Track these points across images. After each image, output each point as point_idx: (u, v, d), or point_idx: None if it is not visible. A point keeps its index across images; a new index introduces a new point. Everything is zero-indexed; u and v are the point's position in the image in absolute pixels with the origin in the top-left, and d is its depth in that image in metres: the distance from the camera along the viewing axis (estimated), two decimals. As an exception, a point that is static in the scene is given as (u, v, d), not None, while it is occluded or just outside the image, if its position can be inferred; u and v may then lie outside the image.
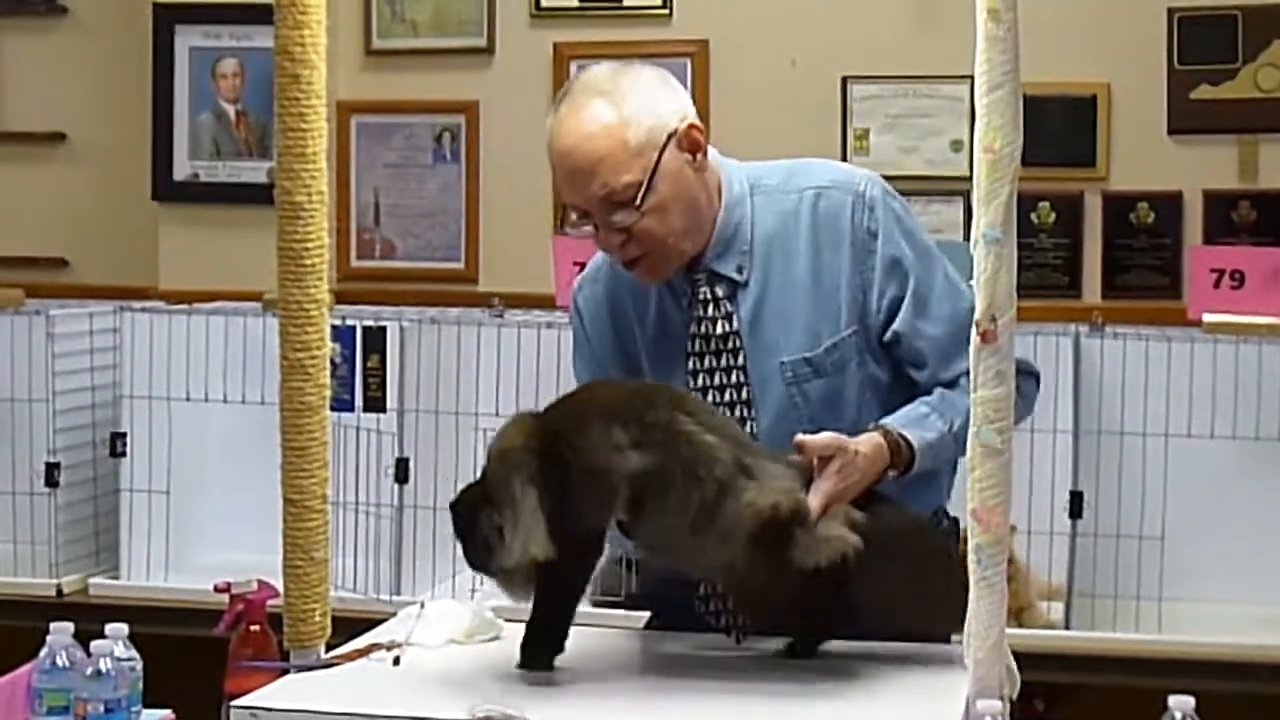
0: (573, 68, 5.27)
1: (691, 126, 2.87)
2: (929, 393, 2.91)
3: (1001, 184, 2.48)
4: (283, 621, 2.85)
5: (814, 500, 2.66)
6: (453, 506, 2.71)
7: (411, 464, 4.61)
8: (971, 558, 2.54)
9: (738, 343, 2.92)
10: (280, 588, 2.86)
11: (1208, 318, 4.30)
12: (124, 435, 4.82)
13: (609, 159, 2.80)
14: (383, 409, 4.58)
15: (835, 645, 2.88)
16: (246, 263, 5.09)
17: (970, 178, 2.53)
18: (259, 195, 4.80)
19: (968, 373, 2.65)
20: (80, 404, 4.90)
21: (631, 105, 2.82)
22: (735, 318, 2.93)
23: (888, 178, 5.12)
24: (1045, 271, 5.06)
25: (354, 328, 4.61)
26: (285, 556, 2.86)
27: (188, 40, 5.44)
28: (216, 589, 2.86)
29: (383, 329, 4.62)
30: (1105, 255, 5.06)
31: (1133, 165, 5.05)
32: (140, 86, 5.51)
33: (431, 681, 2.65)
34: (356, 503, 4.49)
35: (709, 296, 2.93)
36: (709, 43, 5.26)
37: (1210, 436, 4.39)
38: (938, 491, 3.02)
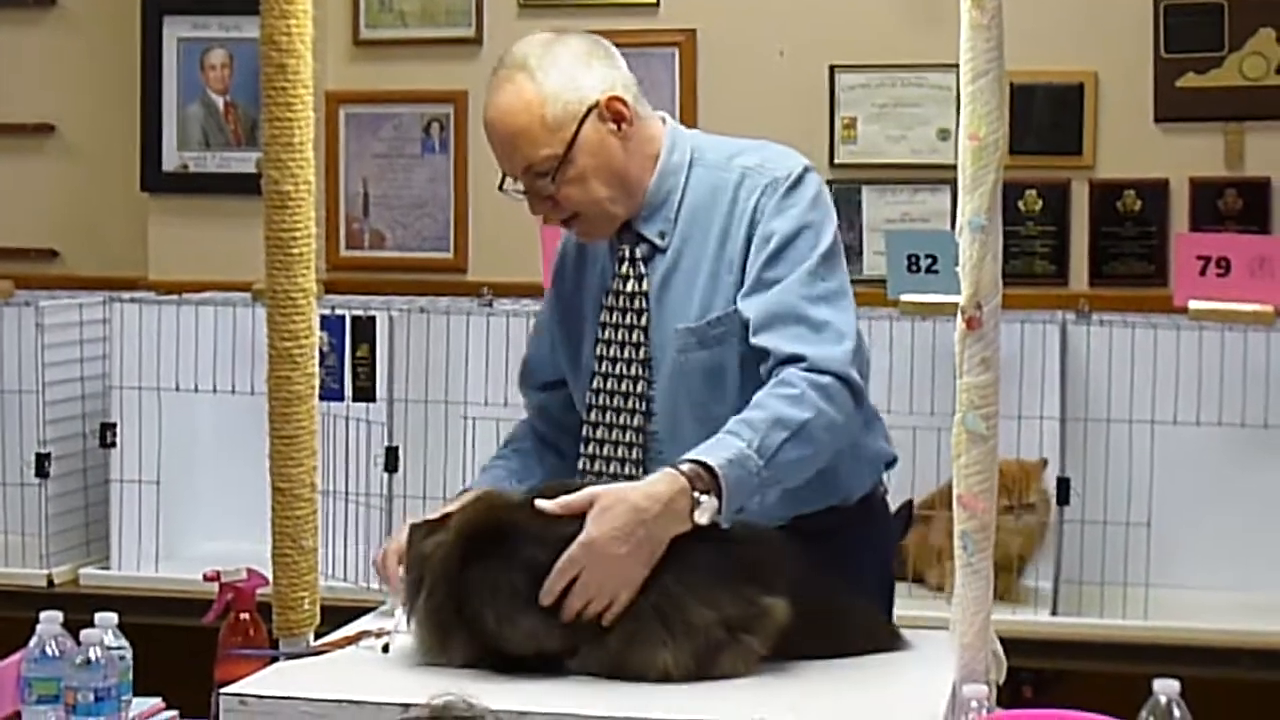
0: (561, 57, 5.27)
1: (613, 99, 2.95)
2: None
3: (987, 171, 2.49)
4: (272, 610, 2.86)
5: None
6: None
7: (401, 453, 4.62)
8: (957, 543, 2.55)
9: (643, 303, 3.01)
10: (270, 576, 2.87)
11: (1194, 305, 4.31)
12: (114, 425, 4.82)
13: (526, 134, 2.91)
14: (372, 398, 4.59)
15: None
16: (236, 253, 5.09)
17: (957, 166, 2.54)
18: (248, 186, 4.75)
19: (785, 359, 2.82)
20: (70, 394, 4.90)
21: (553, 81, 2.92)
22: (647, 280, 3.01)
23: (875, 166, 5.21)
24: (1032, 259, 5.07)
25: (343, 317, 4.61)
26: (274, 545, 2.87)
27: (176, 31, 5.43)
28: (206, 578, 2.87)
29: (372, 318, 4.62)
30: (1092, 243, 5.06)
31: (1119, 153, 5.06)
32: (129, 77, 5.50)
33: (420, 669, 2.66)
34: (346, 492, 4.50)
35: (628, 256, 3.03)
36: (696, 33, 5.26)
37: (1196, 423, 4.41)
38: (849, 479, 3.04)
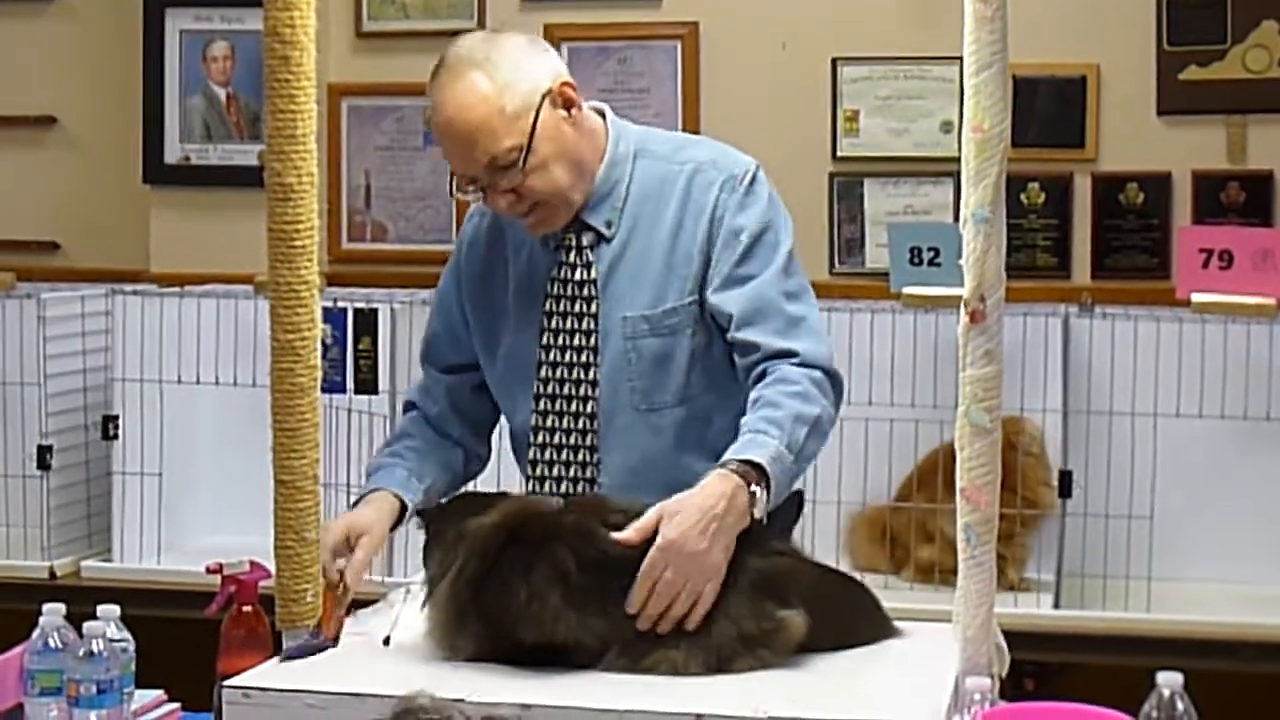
0: (563, 49, 5.26)
1: (564, 84, 3.00)
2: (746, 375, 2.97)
3: (990, 163, 2.49)
4: (274, 602, 2.86)
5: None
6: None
7: (403, 446, 4.62)
8: (960, 536, 2.55)
9: (593, 291, 3.03)
10: (272, 569, 2.86)
11: (1196, 298, 4.30)
12: (116, 418, 4.82)
13: (487, 127, 2.92)
14: (374, 391, 4.59)
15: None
16: (238, 245, 5.09)
17: (960, 159, 2.54)
18: (250, 178, 4.79)
19: (776, 353, 2.88)
20: (72, 387, 4.90)
21: (505, 72, 2.94)
22: (594, 268, 3.03)
23: (878, 159, 5.20)
24: (1034, 252, 5.06)
25: (345, 310, 4.61)
26: (277, 537, 2.86)
27: (178, 23, 5.43)
28: (208, 570, 2.87)
29: (374, 311, 4.62)
30: (1094, 236, 5.06)
31: (1122, 146, 5.05)
32: (131, 69, 5.49)
33: (420, 662, 2.66)
34: (348, 484, 4.49)
35: (574, 244, 3.05)
36: (699, 25, 5.26)
37: (1199, 416, 4.41)
38: None
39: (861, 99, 5.17)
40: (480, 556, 2.66)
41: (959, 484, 2.55)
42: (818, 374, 2.90)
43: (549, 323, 3.06)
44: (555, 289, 3.06)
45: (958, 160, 2.58)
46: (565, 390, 3.05)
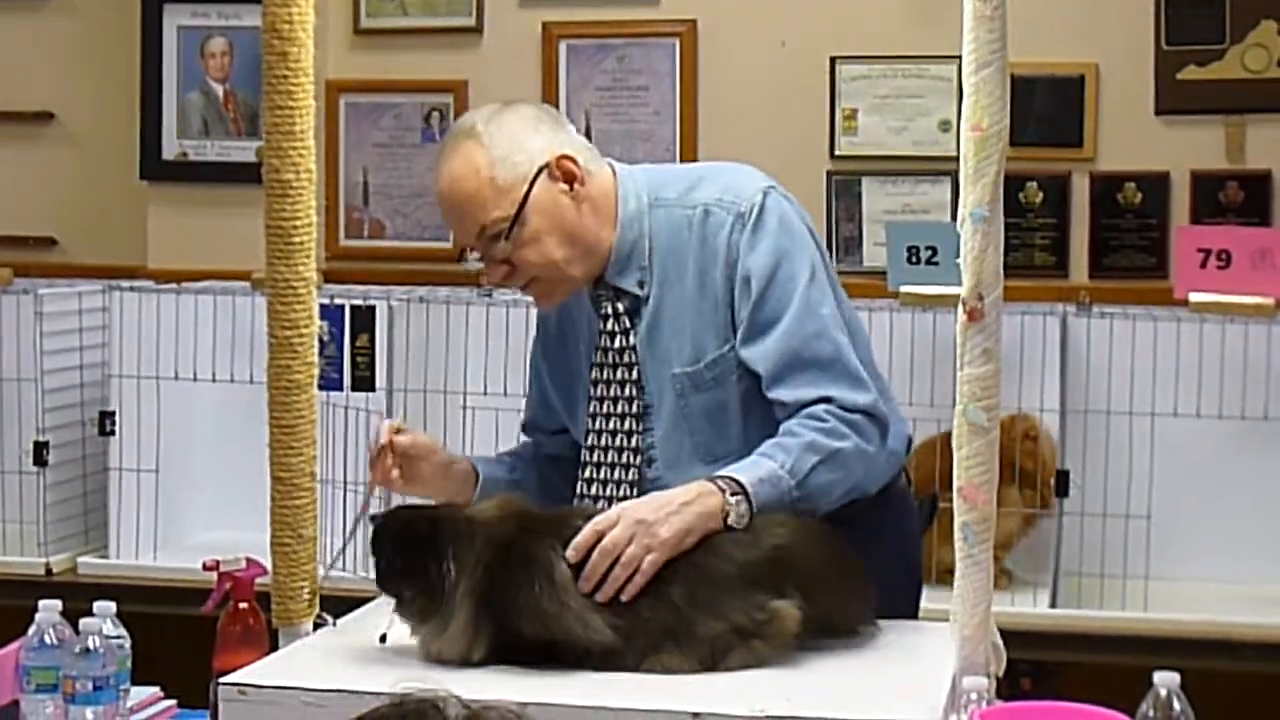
0: (561, 47, 5.26)
1: (563, 158, 2.94)
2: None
3: (989, 162, 2.49)
4: (271, 599, 2.86)
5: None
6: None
7: (400, 443, 4.62)
8: (958, 535, 2.55)
9: (633, 357, 3.00)
10: (268, 565, 2.86)
11: (1194, 297, 4.30)
12: (112, 414, 4.82)
13: (477, 197, 2.90)
14: (371, 388, 4.59)
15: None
16: (235, 242, 5.09)
17: (958, 157, 2.53)
18: (248, 174, 4.76)
19: (809, 403, 2.85)
20: (69, 383, 4.90)
21: (500, 145, 2.92)
22: (633, 333, 3.00)
23: (876, 158, 5.20)
24: (1032, 251, 5.06)
25: (342, 307, 4.62)
26: (273, 534, 2.87)
27: (176, 19, 5.42)
28: (205, 567, 2.87)
29: (371, 308, 4.62)
30: (1092, 235, 5.06)
31: (1120, 145, 5.05)
32: (129, 65, 5.49)
33: (416, 659, 2.66)
34: (345, 481, 4.49)
35: (611, 311, 3.02)
36: (697, 23, 5.25)
37: (1196, 416, 4.41)
38: None
39: (860, 97, 5.17)
40: (493, 546, 2.65)
41: (956, 483, 2.54)
42: (854, 416, 2.87)
43: (594, 390, 3.03)
44: (599, 357, 3.03)
45: (956, 159, 2.58)
46: (611, 459, 3.02)
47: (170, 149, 5.45)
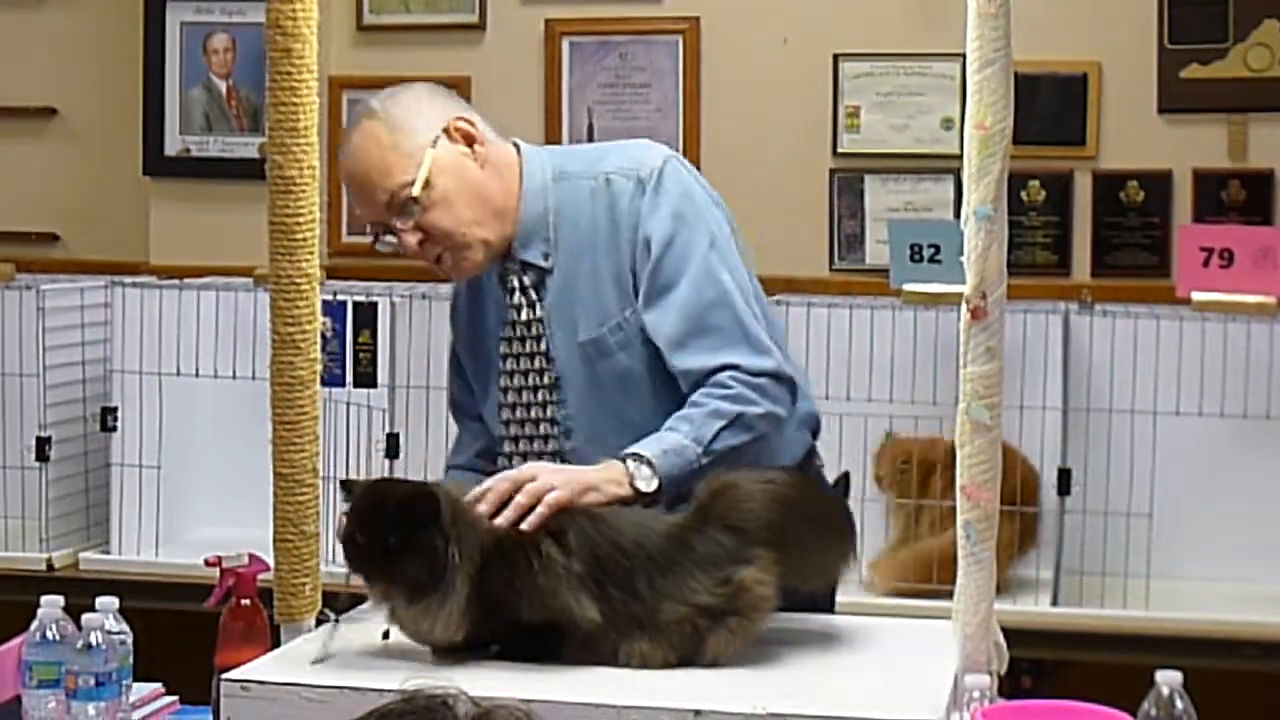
0: (564, 44, 5.26)
1: (460, 119, 3.01)
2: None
3: (993, 160, 2.49)
4: (273, 595, 2.86)
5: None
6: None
7: (402, 439, 4.62)
8: (960, 534, 2.55)
9: (540, 329, 3.04)
10: (271, 562, 2.86)
11: (1196, 296, 4.30)
12: (115, 410, 4.82)
13: (382, 166, 2.95)
14: (373, 384, 4.59)
15: (820, 620, 2.89)
16: (237, 238, 5.09)
17: (961, 156, 2.54)
18: (250, 170, 4.79)
19: (712, 371, 2.88)
20: (71, 379, 4.90)
21: (396, 116, 2.99)
22: (539, 305, 3.03)
23: (878, 155, 5.20)
24: (1034, 250, 5.06)
25: (345, 303, 4.62)
26: (276, 531, 2.87)
27: (179, 15, 5.42)
28: (207, 563, 2.86)
29: (374, 304, 4.62)
30: (1095, 233, 5.06)
31: (1123, 144, 5.05)
32: (132, 61, 5.49)
33: (419, 654, 2.66)
34: (347, 478, 4.49)
35: (517, 285, 3.05)
36: (700, 20, 5.25)
37: (1198, 414, 4.41)
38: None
39: (862, 95, 5.17)
40: (492, 534, 2.65)
41: (959, 481, 2.54)
42: (760, 379, 2.91)
43: (504, 365, 3.07)
44: (506, 331, 3.07)
45: (958, 157, 2.58)
46: (528, 430, 3.06)
47: (173, 145, 5.46)
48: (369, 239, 3.05)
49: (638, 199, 2.98)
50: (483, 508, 2.66)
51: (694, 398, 2.90)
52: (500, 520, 2.64)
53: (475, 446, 3.20)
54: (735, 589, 2.62)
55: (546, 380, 3.04)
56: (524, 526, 2.64)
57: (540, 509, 2.65)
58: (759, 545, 2.64)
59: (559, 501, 2.66)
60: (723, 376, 2.89)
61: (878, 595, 4.36)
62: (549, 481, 2.68)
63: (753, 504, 2.67)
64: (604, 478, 2.76)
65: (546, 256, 3.03)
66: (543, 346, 3.03)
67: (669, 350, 2.94)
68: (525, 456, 3.02)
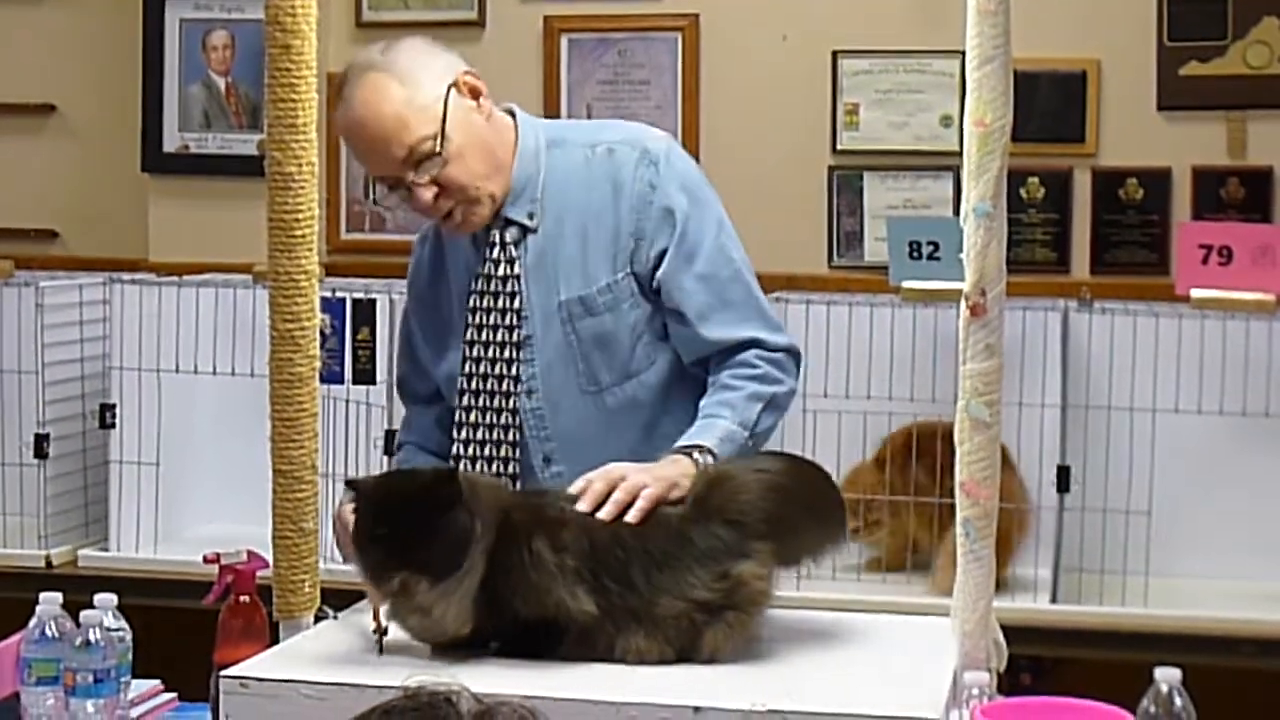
0: (563, 41, 5.26)
1: (467, 73, 3.04)
2: (702, 363, 3.06)
3: (992, 157, 2.49)
4: (272, 592, 2.86)
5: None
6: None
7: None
8: (960, 531, 2.55)
9: (516, 285, 3.07)
10: (270, 559, 2.86)
11: (1195, 293, 4.30)
12: (113, 407, 4.81)
13: (399, 121, 2.96)
14: (372, 381, 4.58)
15: (819, 617, 2.89)
16: (236, 235, 5.09)
17: (960, 153, 2.54)
18: (249, 167, 4.80)
19: (737, 345, 2.98)
20: (70, 375, 4.89)
21: (404, 69, 2.99)
22: (519, 262, 3.07)
23: (878, 152, 5.20)
24: (1034, 247, 5.06)
25: (344, 300, 4.61)
26: (275, 527, 2.87)
27: (178, 11, 5.42)
28: (206, 560, 2.86)
29: (373, 301, 4.62)
30: (1094, 231, 5.06)
31: (1122, 141, 5.05)
32: (130, 58, 5.49)
33: (417, 651, 2.66)
34: (346, 475, 4.49)
35: (498, 240, 3.08)
36: (699, 17, 5.25)
37: (1197, 412, 4.40)
38: None
39: (861, 92, 5.17)
40: (498, 510, 2.65)
41: (958, 478, 2.54)
42: (778, 355, 3.02)
43: (473, 319, 3.09)
44: (480, 285, 3.09)
45: (957, 154, 2.58)
46: (490, 386, 3.08)
47: (172, 142, 5.46)
48: (372, 195, 3.07)
49: (644, 169, 3.04)
50: (583, 505, 2.67)
51: (725, 379, 2.99)
52: (603, 514, 2.65)
53: (423, 424, 3.23)
54: (733, 584, 2.62)
55: (516, 338, 3.06)
56: (630, 518, 2.65)
57: (640, 503, 2.66)
58: (757, 539, 2.64)
59: (654, 497, 2.68)
60: (748, 355, 2.99)
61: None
62: (640, 480, 2.70)
63: (749, 495, 2.67)
64: (680, 472, 2.77)
65: (531, 216, 3.08)
66: (516, 304, 3.07)
67: (695, 319, 3.02)
68: (484, 413, 3.07)
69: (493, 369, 3.08)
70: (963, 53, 2.52)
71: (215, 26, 5.42)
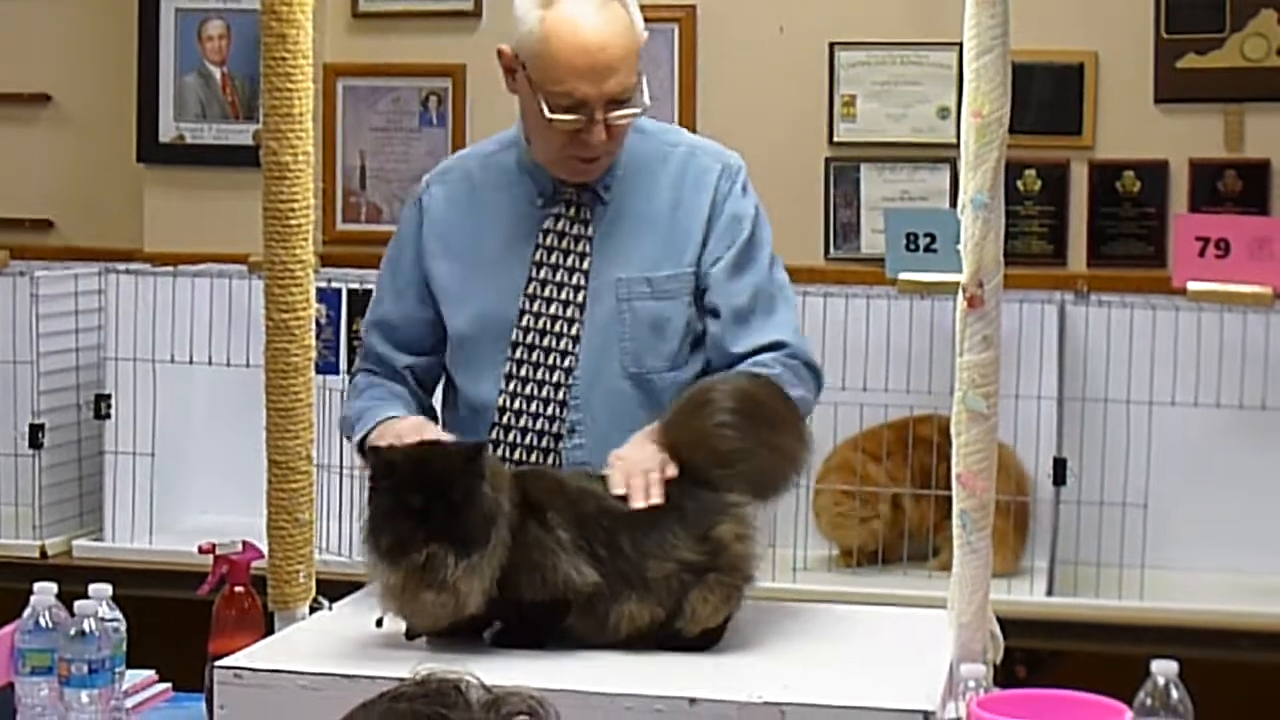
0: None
1: (645, 40, 3.05)
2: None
3: (990, 149, 2.49)
4: (267, 583, 2.86)
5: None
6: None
7: (396, 427, 4.61)
8: (956, 523, 2.55)
9: (587, 248, 3.07)
10: (265, 549, 2.86)
11: (1192, 286, 4.30)
12: (108, 397, 4.81)
13: (626, 60, 2.98)
14: (368, 372, 4.58)
15: (815, 610, 2.89)
16: (232, 225, 5.08)
17: (957, 145, 2.53)
18: (245, 157, 4.78)
19: (764, 347, 3.00)
20: (65, 366, 4.89)
21: (637, 16, 3.01)
22: (591, 225, 3.07)
23: (875, 144, 5.20)
24: (1031, 239, 5.05)
25: (339, 290, 4.61)
26: (270, 518, 2.87)
27: (174, 1, 5.41)
28: (201, 550, 2.86)
29: (368, 292, 4.57)
30: (1091, 223, 5.05)
31: (1119, 134, 5.04)
32: (126, 48, 5.48)
33: (413, 643, 2.66)
34: (341, 465, 4.48)
35: (572, 199, 3.08)
36: (696, 8, 5.24)
37: (1194, 404, 4.40)
38: None
39: (858, 84, 5.16)
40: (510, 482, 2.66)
41: (955, 469, 2.54)
42: (797, 364, 3.03)
43: (537, 273, 3.07)
44: (548, 240, 3.08)
45: (954, 146, 2.58)
46: (546, 342, 3.06)
47: (167, 132, 5.45)
48: (558, 112, 2.96)
49: (725, 181, 3.10)
50: (636, 502, 2.68)
51: (740, 368, 2.99)
52: (636, 501, 2.66)
53: (389, 369, 3.17)
54: (714, 546, 2.65)
55: (579, 299, 3.06)
56: (652, 499, 2.67)
57: (659, 476, 2.69)
58: (730, 492, 2.68)
59: (667, 467, 2.70)
60: (765, 357, 3.00)
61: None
62: (659, 461, 2.72)
63: (715, 444, 2.72)
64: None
65: (607, 189, 3.08)
66: (585, 265, 3.06)
67: (730, 321, 3.04)
68: (535, 368, 3.05)
69: (552, 325, 3.06)
70: (960, 44, 2.52)
71: (211, 16, 5.41)
